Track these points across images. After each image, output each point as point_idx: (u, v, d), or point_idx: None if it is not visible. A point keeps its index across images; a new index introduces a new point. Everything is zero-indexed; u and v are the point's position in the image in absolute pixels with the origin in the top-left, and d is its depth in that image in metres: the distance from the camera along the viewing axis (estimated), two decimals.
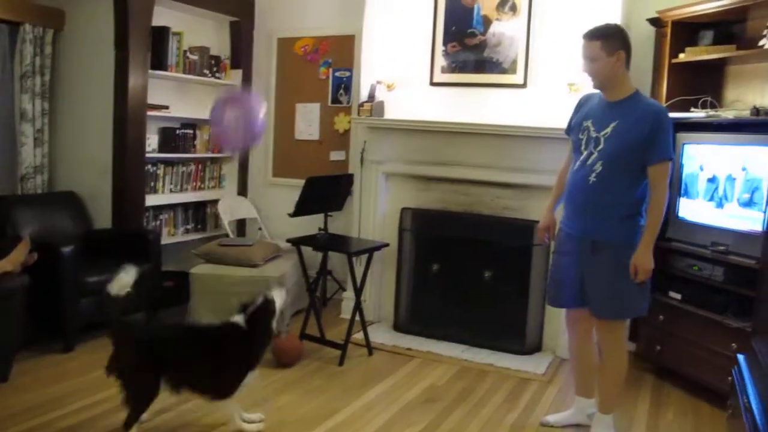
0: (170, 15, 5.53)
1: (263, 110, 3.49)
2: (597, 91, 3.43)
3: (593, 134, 3.28)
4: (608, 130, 3.23)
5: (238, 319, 3.32)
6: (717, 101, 4.40)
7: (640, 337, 4.59)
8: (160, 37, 5.35)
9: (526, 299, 4.85)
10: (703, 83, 4.47)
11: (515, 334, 4.85)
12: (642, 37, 4.62)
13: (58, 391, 3.75)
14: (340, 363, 4.42)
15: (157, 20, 5.25)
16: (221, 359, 3.25)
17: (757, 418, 2.47)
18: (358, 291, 4.59)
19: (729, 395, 3.21)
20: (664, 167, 3.18)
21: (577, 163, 3.35)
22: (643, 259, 3.17)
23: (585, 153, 3.30)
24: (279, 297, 3.45)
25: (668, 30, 4.47)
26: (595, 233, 3.28)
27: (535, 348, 4.84)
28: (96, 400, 3.64)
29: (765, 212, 3.67)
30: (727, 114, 4.12)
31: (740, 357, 3.14)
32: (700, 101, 4.33)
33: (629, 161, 3.20)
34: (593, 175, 3.24)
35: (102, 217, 5.18)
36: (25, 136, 5.07)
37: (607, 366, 3.44)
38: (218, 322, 3.41)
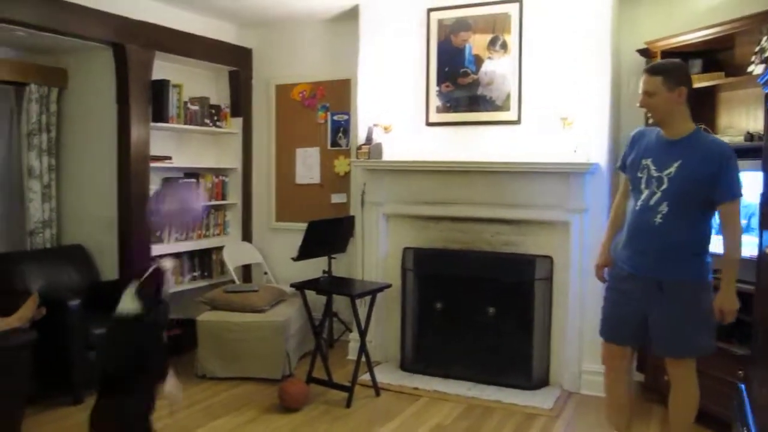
0: (169, 68, 5.66)
1: (201, 201, 3.50)
2: (654, 128, 3.37)
3: (654, 173, 3.20)
4: (672, 169, 3.14)
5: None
6: (711, 128, 4.42)
7: (647, 368, 4.57)
8: (160, 89, 5.46)
9: (531, 334, 4.84)
10: (696, 111, 4.44)
11: (521, 369, 4.84)
12: (633, 69, 4.69)
13: None
14: (348, 405, 4.42)
15: (157, 74, 5.38)
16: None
17: None
18: (363, 333, 4.60)
19: (731, 424, 3.19)
20: (735, 205, 3.14)
21: (639, 202, 3.26)
22: (727, 301, 3.11)
23: (647, 192, 3.22)
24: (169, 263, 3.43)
25: (658, 60, 4.52)
26: (662, 273, 3.19)
27: (542, 383, 4.82)
28: None
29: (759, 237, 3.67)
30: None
31: (741, 386, 3.13)
32: None
33: (695, 200, 3.13)
34: (659, 216, 3.15)
35: (109, 268, 5.26)
36: (33, 192, 5.18)
37: (678, 400, 3.33)
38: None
